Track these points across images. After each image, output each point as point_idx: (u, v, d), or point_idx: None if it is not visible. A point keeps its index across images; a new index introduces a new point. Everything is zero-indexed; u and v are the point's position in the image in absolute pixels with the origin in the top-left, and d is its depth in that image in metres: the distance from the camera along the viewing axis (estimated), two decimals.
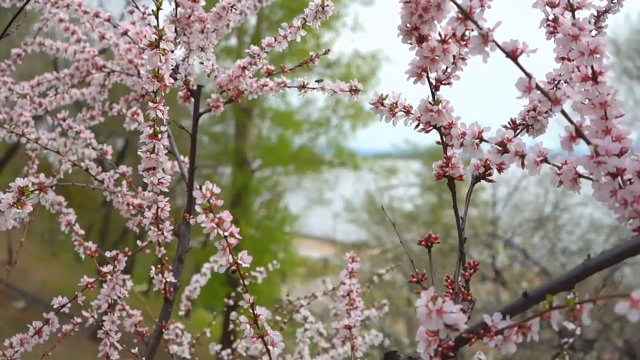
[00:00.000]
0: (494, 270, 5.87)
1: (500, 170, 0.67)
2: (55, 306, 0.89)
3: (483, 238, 5.87)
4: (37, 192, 0.68)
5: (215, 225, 0.61)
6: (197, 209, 0.60)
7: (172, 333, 1.29)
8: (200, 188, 0.60)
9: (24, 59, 1.29)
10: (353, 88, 0.83)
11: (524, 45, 0.50)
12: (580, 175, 0.54)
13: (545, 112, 0.67)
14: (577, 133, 0.51)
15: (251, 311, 0.64)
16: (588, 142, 0.50)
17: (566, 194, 7.44)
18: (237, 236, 0.61)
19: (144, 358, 0.96)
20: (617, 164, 0.50)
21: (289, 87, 0.95)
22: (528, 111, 0.68)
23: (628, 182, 0.51)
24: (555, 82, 0.68)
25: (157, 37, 0.70)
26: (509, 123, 0.68)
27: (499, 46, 0.50)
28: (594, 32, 0.71)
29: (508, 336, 0.50)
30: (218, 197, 0.61)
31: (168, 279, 0.96)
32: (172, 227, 0.89)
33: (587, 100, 0.54)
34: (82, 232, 1.08)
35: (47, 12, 1.22)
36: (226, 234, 0.61)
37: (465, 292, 0.61)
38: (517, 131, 0.67)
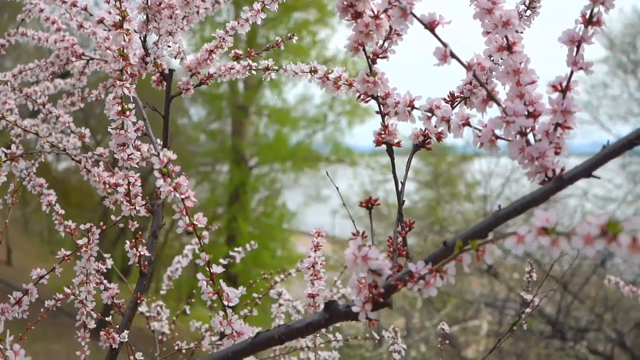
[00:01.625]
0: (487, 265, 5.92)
1: (439, 139, 0.72)
2: (33, 277, 0.95)
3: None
4: (8, 161, 0.73)
5: (172, 189, 0.66)
6: (156, 173, 0.66)
7: (154, 311, 1.35)
8: (158, 155, 0.65)
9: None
10: (312, 69, 0.89)
11: (440, 18, 0.55)
12: (497, 137, 0.59)
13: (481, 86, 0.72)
14: (489, 96, 0.56)
15: (207, 269, 0.69)
16: (499, 105, 0.56)
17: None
18: (193, 199, 0.67)
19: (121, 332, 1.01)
20: (524, 124, 0.55)
21: (254, 69, 1.01)
22: (465, 84, 0.73)
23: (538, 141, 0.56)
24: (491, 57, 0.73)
25: (120, 18, 0.75)
26: (448, 96, 0.74)
27: (417, 18, 0.55)
28: (528, 12, 0.76)
29: (429, 280, 0.55)
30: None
31: (142, 253, 1.01)
32: (144, 202, 0.95)
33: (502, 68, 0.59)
34: (62, 211, 1.13)
35: (29, 3, 1.27)
36: (183, 196, 0.66)
37: (402, 249, 0.66)
38: (455, 103, 0.73)
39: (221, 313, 0.69)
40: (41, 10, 1.24)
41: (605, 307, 5.90)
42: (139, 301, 1.03)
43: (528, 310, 1.11)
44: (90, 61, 1.22)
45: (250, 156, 11.65)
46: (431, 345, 5.56)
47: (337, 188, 0.89)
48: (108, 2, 1.12)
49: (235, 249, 1.46)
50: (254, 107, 12.07)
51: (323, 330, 1.43)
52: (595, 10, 0.56)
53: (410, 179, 10.04)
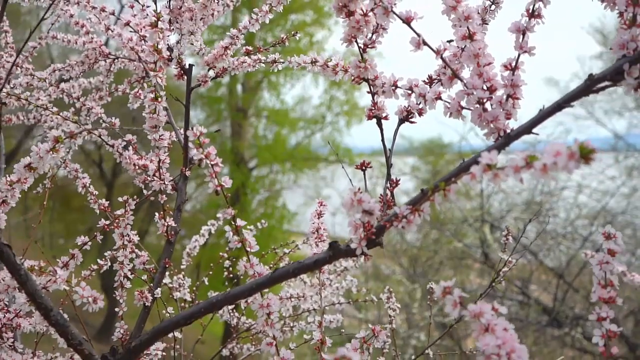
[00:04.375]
0: (483, 254, 6.10)
1: (420, 114, 0.88)
2: (79, 244, 1.10)
3: (470, 222, 6.08)
4: (68, 139, 0.89)
5: (204, 157, 0.82)
6: (190, 145, 0.81)
7: (176, 283, 1.51)
8: (193, 129, 0.81)
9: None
10: (314, 60, 1.04)
11: (415, 14, 0.71)
12: (462, 107, 0.75)
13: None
14: (454, 74, 0.72)
15: (233, 223, 0.85)
16: (462, 81, 0.72)
17: (553, 179, 7.66)
18: (220, 165, 0.83)
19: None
20: (481, 95, 0.71)
21: (263, 62, 1.16)
22: (440, 68, 0.89)
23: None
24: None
25: (156, 19, 0.91)
26: (427, 78, 0.90)
27: (396, 15, 0.71)
28: (492, 7, 0.92)
29: (410, 219, 0.71)
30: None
31: (169, 224, 1.17)
32: (171, 178, 1.10)
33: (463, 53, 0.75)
34: (96, 192, 1.29)
35: (59, 9, 1.43)
36: (212, 162, 0.82)
37: (390, 201, 0.82)
38: (432, 84, 0.88)
39: (244, 258, 0.85)
40: (71, 16, 1.40)
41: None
42: (167, 265, 1.18)
43: (505, 269, 1.26)
44: (116, 60, 1.38)
45: (249, 158, 11.80)
46: (431, 334, 5.71)
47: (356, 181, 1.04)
48: (132, 7, 1.28)
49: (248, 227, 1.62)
50: (253, 109, 12.23)
51: (330, 296, 1.59)
52: (537, 5, 0.72)
53: (410, 177, 10.19)
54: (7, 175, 0.94)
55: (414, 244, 8.45)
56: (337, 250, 0.77)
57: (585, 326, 5.72)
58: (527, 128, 0.68)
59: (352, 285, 1.54)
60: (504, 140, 0.67)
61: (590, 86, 0.65)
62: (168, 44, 1.18)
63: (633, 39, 0.64)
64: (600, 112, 9.04)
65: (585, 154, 0.48)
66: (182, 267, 1.58)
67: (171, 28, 1.16)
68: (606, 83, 0.66)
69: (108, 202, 1.24)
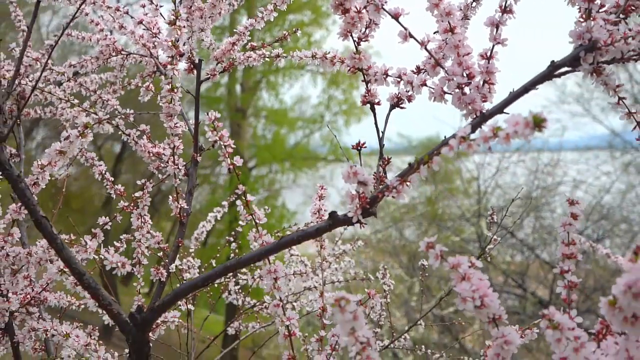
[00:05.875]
0: (480, 248, 6.21)
1: (409, 100, 0.98)
2: (100, 223, 1.21)
3: (468, 216, 6.20)
4: (96, 124, 0.99)
5: (218, 138, 0.93)
6: (206, 128, 0.92)
7: (185, 265, 1.61)
8: (208, 114, 0.92)
9: None
10: (314, 54, 1.15)
11: (402, 10, 0.82)
12: (444, 92, 0.86)
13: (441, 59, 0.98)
14: (436, 63, 0.83)
15: (244, 197, 0.95)
16: (443, 68, 0.82)
17: (549, 175, 7.79)
18: (232, 146, 0.93)
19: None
20: (460, 81, 0.82)
21: (267, 58, 1.27)
22: (426, 59, 0.99)
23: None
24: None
25: (174, 17, 1.02)
26: (415, 67, 1.00)
27: (386, 11, 0.82)
28: (474, 4, 1.02)
29: (400, 189, 0.81)
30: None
31: (182, 205, 1.27)
32: (184, 163, 1.21)
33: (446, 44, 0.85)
34: (112, 178, 1.39)
35: (75, 9, 1.53)
36: (226, 143, 0.93)
37: (382, 176, 0.92)
38: (420, 73, 0.99)
39: (254, 229, 0.95)
40: (86, 14, 1.51)
41: (594, 289, 6.18)
42: (180, 245, 1.29)
43: (490, 246, 1.37)
44: (129, 56, 1.48)
45: (249, 158, 11.90)
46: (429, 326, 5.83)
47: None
48: (144, 7, 1.39)
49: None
50: (252, 109, 12.33)
51: (330, 276, 1.70)
52: (509, 2, 0.83)
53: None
54: (37, 159, 1.04)
55: (414, 240, 8.57)
56: (336, 219, 0.88)
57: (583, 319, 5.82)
58: (499, 109, 0.78)
59: (350, 266, 1.65)
60: (479, 120, 0.78)
61: (552, 71, 0.76)
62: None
63: (588, 30, 0.74)
64: (597, 109, 9.15)
65: (537, 123, 0.59)
66: (190, 250, 1.69)
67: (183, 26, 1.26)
68: (566, 69, 0.76)
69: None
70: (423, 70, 0.99)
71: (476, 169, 8.13)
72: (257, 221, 0.95)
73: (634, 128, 0.80)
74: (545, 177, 7.55)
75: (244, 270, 1.70)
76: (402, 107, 0.99)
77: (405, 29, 0.82)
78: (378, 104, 0.95)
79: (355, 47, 0.92)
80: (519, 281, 6.59)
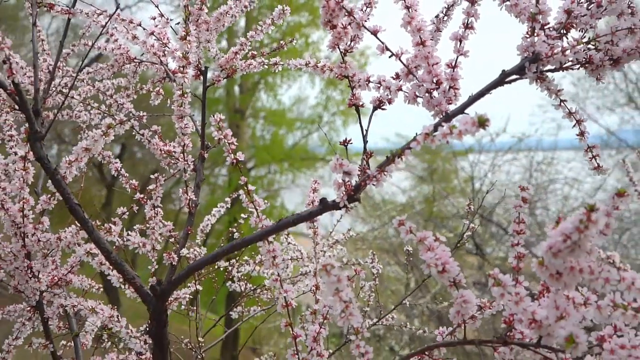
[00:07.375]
0: (474, 244, 6.37)
1: (389, 102, 1.14)
2: (119, 213, 1.36)
3: (461, 213, 6.35)
4: (118, 125, 1.14)
5: (222, 137, 1.08)
6: (212, 127, 1.07)
7: (192, 254, 1.76)
8: (213, 115, 1.07)
9: None
10: (307, 62, 1.30)
11: (379, 27, 0.97)
12: (417, 95, 1.01)
13: (415, 68, 1.13)
14: (409, 71, 0.98)
15: (245, 187, 1.11)
16: (414, 76, 0.98)
17: (544, 172, 7.95)
18: (235, 143, 1.08)
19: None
20: (429, 86, 0.97)
21: (266, 65, 1.42)
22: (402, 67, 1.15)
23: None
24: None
25: (185, 33, 1.17)
26: (395, 74, 1.16)
27: (366, 28, 0.97)
28: (445, 18, 1.18)
29: (379, 178, 0.96)
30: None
31: (191, 197, 1.42)
32: (193, 159, 1.36)
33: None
34: (127, 174, 1.55)
35: (91, 21, 1.68)
36: (229, 141, 1.08)
37: (366, 167, 1.08)
38: (398, 79, 1.14)
39: (255, 214, 1.11)
40: (102, 26, 1.66)
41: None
42: (189, 232, 1.44)
43: (468, 233, 1.52)
44: (141, 63, 1.63)
45: (247, 158, 12.05)
46: (423, 320, 5.98)
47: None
48: (154, 19, 1.54)
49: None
50: (250, 110, 12.48)
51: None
52: (470, 20, 0.98)
53: (406, 175, 10.45)
54: (65, 156, 1.19)
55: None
56: (326, 204, 1.03)
57: None
58: (460, 110, 0.94)
59: (343, 254, 1.80)
60: (444, 118, 0.93)
61: (503, 78, 0.91)
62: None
63: (532, 44, 0.90)
64: (592, 108, 9.29)
65: (482, 122, 0.74)
66: (197, 241, 1.84)
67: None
68: (515, 77, 0.92)
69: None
70: (400, 77, 1.15)
71: (470, 166, 8.29)
72: (257, 207, 1.10)
73: (574, 126, 0.95)
74: (540, 175, 7.72)
75: (245, 258, 1.85)
76: (383, 109, 1.14)
77: (383, 43, 0.97)
78: (362, 106, 1.11)
79: (342, 57, 1.07)
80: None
